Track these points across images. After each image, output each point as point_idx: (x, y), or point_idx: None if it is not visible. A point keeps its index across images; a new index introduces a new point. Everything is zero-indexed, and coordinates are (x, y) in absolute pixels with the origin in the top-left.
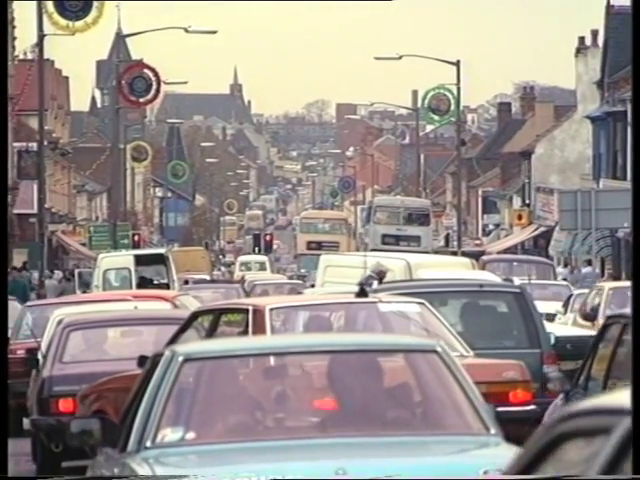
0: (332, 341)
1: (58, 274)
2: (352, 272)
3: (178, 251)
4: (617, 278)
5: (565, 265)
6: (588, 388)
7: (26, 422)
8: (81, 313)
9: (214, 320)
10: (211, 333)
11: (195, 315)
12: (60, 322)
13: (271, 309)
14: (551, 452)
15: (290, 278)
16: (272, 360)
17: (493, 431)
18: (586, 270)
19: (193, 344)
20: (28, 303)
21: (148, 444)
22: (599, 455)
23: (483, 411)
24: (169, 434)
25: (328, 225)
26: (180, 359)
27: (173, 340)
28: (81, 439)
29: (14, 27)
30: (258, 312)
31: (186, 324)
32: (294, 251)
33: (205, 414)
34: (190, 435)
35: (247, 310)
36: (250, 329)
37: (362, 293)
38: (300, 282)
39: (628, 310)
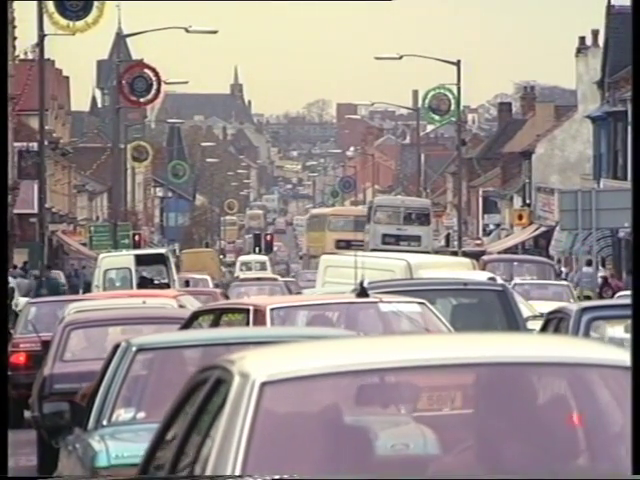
0: (269, 334)
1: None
2: (352, 272)
3: (188, 252)
4: (616, 279)
5: (558, 261)
6: None
7: (27, 415)
8: (86, 310)
9: (215, 320)
10: None
11: (196, 315)
12: (61, 320)
13: (272, 309)
14: (194, 391)
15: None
16: (215, 350)
17: None
18: (586, 270)
19: (146, 336)
20: (31, 300)
21: (104, 422)
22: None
23: None
24: (123, 414)
25: (357, 223)
26: (134, 349)
27: None
28: (53, 420)
29: (14, 27)
30: (259, 312)
31: (187, 324)
32: (295, 252)
33: (155, 396)
34: (141, 415)
35: (248, 310)
36: None
37: (363, 293)
38: (293, 280)
39: (565, 305)
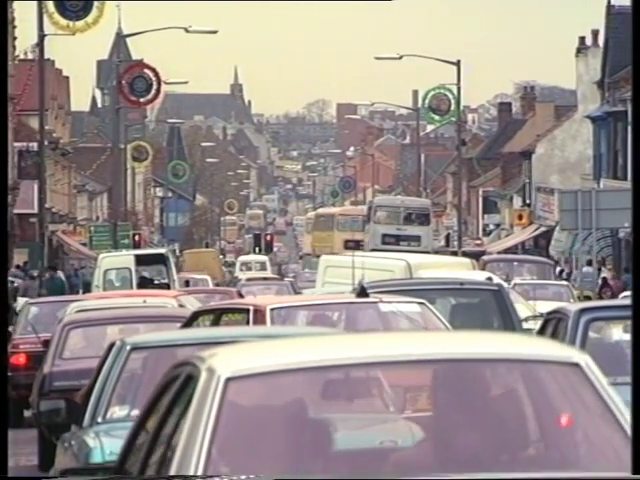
0: (262, 332)
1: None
2: (352, 272)
3: (190, 253)
4: (616, 278)
5: (556, 262)
6: None
7: (27, 414)
8: (86, 310)
9: (215, 320)
10: None
11: (196, 315)
12: (61, 320)
13: (272, 309)
14: (168, 387)
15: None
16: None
17: None
18: (586, 270)
19: (140, 335)
20: (30, 300)
21: (99, 420)
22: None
23: None
24: (117, 411)
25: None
26: (128, 348)
27: None
28: (49, 417)
29: (14, 27)
30: (259, 312)
31: (187, 323)
32: (295, 252)
33: (149, 394)
34: (135, 412)
35: (248, 310)
36: None
37: (363, 293)
38: (292, 280)
39: (564, 305)
